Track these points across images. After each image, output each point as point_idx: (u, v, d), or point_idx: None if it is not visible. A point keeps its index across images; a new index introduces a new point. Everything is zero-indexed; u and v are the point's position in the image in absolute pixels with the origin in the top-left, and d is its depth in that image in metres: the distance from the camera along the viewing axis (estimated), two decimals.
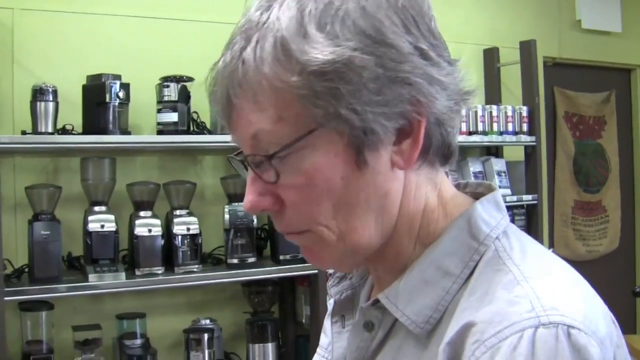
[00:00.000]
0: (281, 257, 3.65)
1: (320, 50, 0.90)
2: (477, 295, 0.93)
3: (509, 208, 1.08)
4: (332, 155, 0.93)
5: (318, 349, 1.26)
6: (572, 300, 0.91)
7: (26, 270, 3.28)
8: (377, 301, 1.01)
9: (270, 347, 3.68)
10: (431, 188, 1.02)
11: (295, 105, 0.91)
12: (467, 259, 0.98)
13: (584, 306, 0.90)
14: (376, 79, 0.91)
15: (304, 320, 3.86)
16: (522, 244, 1.01)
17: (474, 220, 1.00)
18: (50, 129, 3.19)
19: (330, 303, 1.23)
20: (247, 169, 0.99)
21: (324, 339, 1.25)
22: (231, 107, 0.95)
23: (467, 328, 0.89)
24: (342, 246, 0.99)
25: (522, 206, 4.63)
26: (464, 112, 3.62)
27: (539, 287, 0.91)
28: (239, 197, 3.60)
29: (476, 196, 1.06)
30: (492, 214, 1.02)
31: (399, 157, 0.96)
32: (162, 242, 3.42)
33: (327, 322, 1.23)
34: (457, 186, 1.10)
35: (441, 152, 1.01)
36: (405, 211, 1.00)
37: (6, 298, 3.04)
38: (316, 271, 3.58)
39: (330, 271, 1.17)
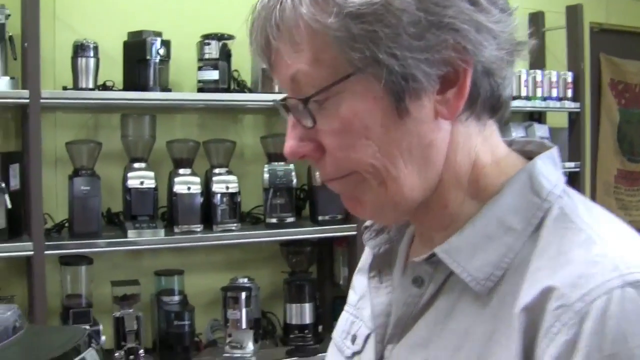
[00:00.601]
0: (320, 218, 3.65)
1: None
2: (549, 255, 0.90)
3: None
4: (371, 102, 0.91)
5: (346, 307, 1.23)
6: None
7: (66, 225, 3.31)
8: (431, 256, 0.98)
9: (307, 307, 3.69)
10: (481, 141, 0.99)
11: (332, 48, 0.90)
12: (530, 216, 0.95)
13: None
14: (417, 23, 0.88)
15: (341, 282, 3.86)
16: (584, 202, 0.98)
17: (535, 176, 0.97)
18: (91, 85, 3.20)
19: (362, 258, 1.21)
20: (288, 113, 0.98)
21: (353, 297, 1.21)
22: (270, 49, 0.95)
23: (546, 293, 0.86)
24: (383, 194, 0.96)
25: (564, 173, 4.57)
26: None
27: (616, 246, 0.89)
28: (279, 157, 3.60)
29: (526, 154, 1.03)
30: (552, 172, 0.99)
31: (444, 106, 0.93)
32: (201, 200, 3.43)
33: (357, 279, 1.21)
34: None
35: (490, 104, 0.97)
36: (452, 164, 0.97)
37: (46, 252, 3.08)
38: (354, 233, 3.57)
39: (367, 223, 1.15)
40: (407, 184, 0.95)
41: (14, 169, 3.13)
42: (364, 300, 1.14)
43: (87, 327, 3.18)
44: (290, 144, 0.97)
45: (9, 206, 3.06)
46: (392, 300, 1.06)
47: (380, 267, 1.12)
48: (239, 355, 3.49)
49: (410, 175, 0.95)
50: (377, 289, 1.10)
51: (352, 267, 3.69)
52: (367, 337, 1.11)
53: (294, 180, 3.63)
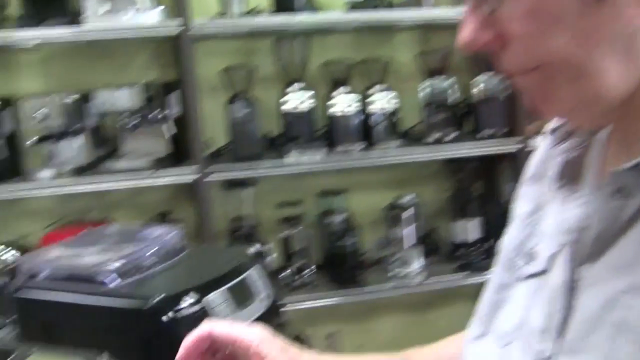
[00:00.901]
0: (483, 134, 3.58)
1: None
2: None
3: None
4: None
5: (515, 220, 1.09)
6: None
7: (227, 150, 3.42)
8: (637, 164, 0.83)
9: (473, 223, 3.65)
10: None
11: None
12: None
13: None
14: None
15: (506, 198, 3.79)
16: None
17: None
18: (241, 11, 3.27)
19: (532, 164, 1.09)
20: None
21: (524, 208, 1.07)
22: None
23: None
24: (577, 90, 0.83)
25: None
26: None
27: None
28: (437, 72, 3.56)
29: None
30: None
31: None
32: (360, 119, 3.44)
33: (529, 187, 1.08)
34: None
35: None
36: None
37: (209, 179, 3.21)
38: (519, 146, 3.49)
39: (555, 125, 1.02)
40: (606, 79, 0.81)
41: (175, 97, 3.27)
42: (542, 212, 1.02)
43: (257, 246, 3.30)
44: (467, 32, 0.84)
45: (172, 133, 3.21)
46: (587, 214, 0.90)
47: (570, 175, 0.98)
48: (405, 272, 3.52)
49: (610, 69, 0.80)
50: (568, 201, 0.96)
51: (517, 183, 3.59)
52: (553, 255, 0.95)
53: (454, 96, 3.57)
